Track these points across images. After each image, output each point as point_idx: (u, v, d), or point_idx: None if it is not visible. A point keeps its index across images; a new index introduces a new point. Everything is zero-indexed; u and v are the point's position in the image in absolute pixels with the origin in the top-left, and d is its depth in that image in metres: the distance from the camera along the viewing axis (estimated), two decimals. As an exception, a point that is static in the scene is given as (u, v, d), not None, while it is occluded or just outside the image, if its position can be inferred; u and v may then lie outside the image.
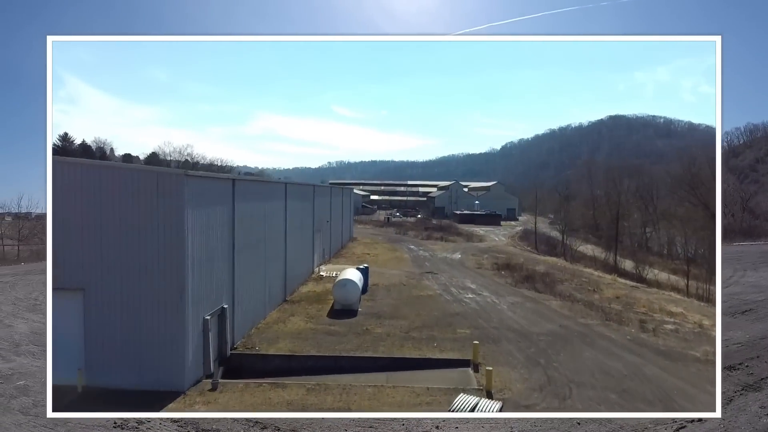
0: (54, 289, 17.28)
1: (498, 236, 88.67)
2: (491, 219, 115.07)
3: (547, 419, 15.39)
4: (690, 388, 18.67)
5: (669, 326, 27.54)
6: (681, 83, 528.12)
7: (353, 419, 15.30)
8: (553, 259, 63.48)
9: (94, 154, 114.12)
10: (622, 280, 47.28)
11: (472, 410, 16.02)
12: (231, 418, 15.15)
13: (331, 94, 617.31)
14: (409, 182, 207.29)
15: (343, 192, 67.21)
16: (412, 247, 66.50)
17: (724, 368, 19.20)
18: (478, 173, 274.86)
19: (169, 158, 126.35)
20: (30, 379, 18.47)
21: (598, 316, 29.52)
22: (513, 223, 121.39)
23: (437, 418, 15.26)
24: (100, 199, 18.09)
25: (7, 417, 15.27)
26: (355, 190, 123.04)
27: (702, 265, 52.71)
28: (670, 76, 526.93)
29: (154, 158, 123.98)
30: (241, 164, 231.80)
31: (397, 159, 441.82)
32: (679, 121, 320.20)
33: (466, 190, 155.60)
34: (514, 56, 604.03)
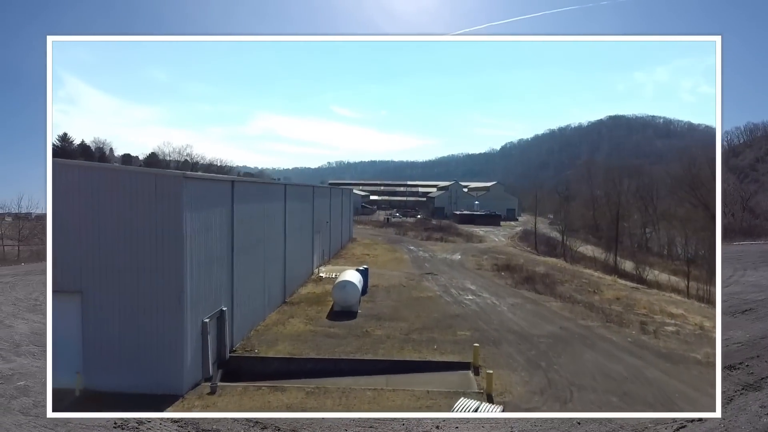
0: (52, 291, 17.17)
1: (498, 237, 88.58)
2: (491, 219, 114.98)
3: (547, 419, 15.40)
4: (692, 392, 18.57)
5: (670, 328, 27.44)
6: (680, 83, 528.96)
7: (353, 419, 15.31)
8: (553, 259, 63.38)
9: (94, 155, 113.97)
10: (623, 281, 47.17)
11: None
12: (231, 419, 15.16)
13: (331, 94, 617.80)
14: (409, 182, 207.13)
15: (342, 192, 67.09)
16: (412, 247, 66.40)
17: (724, 368, 19.20)
18: (478, 173, 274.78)
19: (168, 158, 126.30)
20: (30, 380, 18.46)
21: (598, 317, 29.42)
22: (513, 223, 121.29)
23: (437, 418, 15.28)
24: (97, 202, 17.97)
25: (7, 417, 15.26)
26: (355, 191, 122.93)
27: (702, 266, 52.63)
28: (669, 76, 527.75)
29: (153, 158, 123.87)
30: (240, 164, 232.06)
31: (396, 159, 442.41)
32: (678, 121, 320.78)
33: (465, 190, 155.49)
34: (513, 56, 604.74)
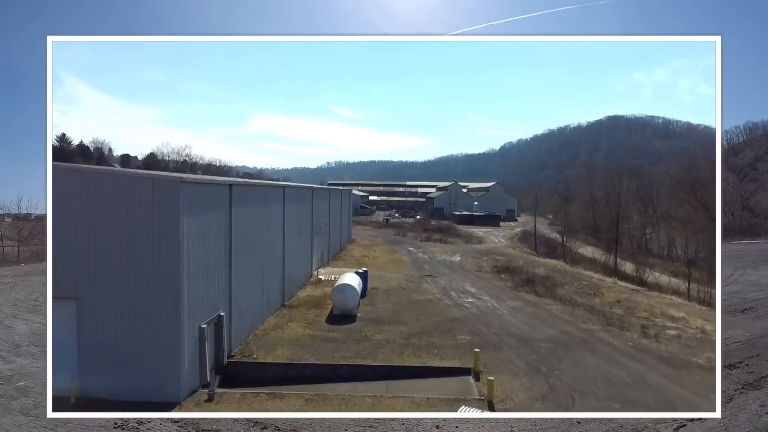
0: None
1: (497, 238, 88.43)
2: (490, 220, 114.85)
3: (547, 419, 15.41)
4: (694, 397, 18.39)
5: (671, 332, 27.27)
6: (679, 84, 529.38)
7: (353, 419, 15.31)
8: (553, 261, 63.24)
9: (92, 155, 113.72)
10: (623, 283, 47.04)
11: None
12: (231, 419, 15.15)
13: (330, 95, 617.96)
14: (408, 183, 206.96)
15: (341, 193, 66.88)
16: (411, 249, 66.20)
17: (724, 367, 19.14)
18: (477, 173, 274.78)
19: (167, 159, 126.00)
20: (30, 380, 18.40)
21: (599, 321, 29.24)
22: (512, 224, 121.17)
23: (437, 418, 15.29)
24: (93, 206, 17.75)
25: (7, 418, 15.20)
26: (354, 191, 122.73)
27: (702, 267, 52.52)
28: (668, 76, 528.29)
29: (152, 159, 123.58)
30: (239, 164, 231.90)
31: (395, 159, 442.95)
32: (677, 121, 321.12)
33: (464, 190, 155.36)
34: (512, 56, 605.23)
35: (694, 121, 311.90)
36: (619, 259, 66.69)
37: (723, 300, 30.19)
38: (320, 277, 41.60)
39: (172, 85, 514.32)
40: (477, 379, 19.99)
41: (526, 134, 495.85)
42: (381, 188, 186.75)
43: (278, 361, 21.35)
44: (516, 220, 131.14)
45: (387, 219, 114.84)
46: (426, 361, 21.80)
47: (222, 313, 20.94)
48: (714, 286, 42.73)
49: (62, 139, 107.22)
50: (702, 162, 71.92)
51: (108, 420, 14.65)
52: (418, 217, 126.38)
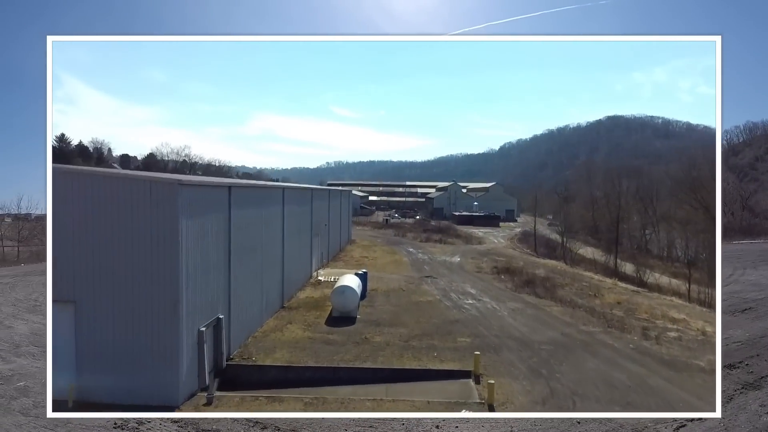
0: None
1: (497, 238, 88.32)
2: (490, 220, 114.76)
3: (546, 419, 15.41)
4: (696, 401, 18.27)
5: (672, 334, 27.16)
6: (678, 84, 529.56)
7: (353, 419, 15.30)
8: (553, 262, 63.13)
9: (92, 155, 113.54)
10: (623, 285, 46.94)
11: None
12: (231, 419, 15.14)
13: (330, 95, 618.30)
14: (408, 183, 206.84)
15: (341, 194, 66.77)
16: (411, 249, 66.08)
17: (724, 367, 19.09)
18: (477, 173, 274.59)
19: (166, 159, 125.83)
20: (30, 380, 18.38)
21: (599, 323, 29.13)
22: (512, 224, 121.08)
23: (437, 418, 15.29)
24: (90, 208, 17.61)
25: (7, 418, 15.19)
26: (354, 191, 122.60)
27: (702, 268, 52.45)
28: (667, 76, 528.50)
29: (151, 159, 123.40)
30: (239, 164, 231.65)
31: (395, 159, 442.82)
32: (677, 121, 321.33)
33: (464, 191, 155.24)
34: (512, 56, 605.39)
35: (694, 121, 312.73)
36: (619, 260, 66.59)
37: (723, 300, 30.16)
38: (320, 278, 41.48)
39: (171, 85, 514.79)
40: (477, 382, 19.89)
41: (526, 134, 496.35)
42: (380, 188, 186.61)
43: (277, 364, 21.24)
44: (516, 221, 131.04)
45: (386, 219, 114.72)
46: (426, 363, 21.69)
47: (221, 316, 20.81)
48: (714, 286, 42.66)
49: (61, 139, 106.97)
50: (702, 162, 71.88)
51: (108, 420, 14.65)
52: (417, 217, 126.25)
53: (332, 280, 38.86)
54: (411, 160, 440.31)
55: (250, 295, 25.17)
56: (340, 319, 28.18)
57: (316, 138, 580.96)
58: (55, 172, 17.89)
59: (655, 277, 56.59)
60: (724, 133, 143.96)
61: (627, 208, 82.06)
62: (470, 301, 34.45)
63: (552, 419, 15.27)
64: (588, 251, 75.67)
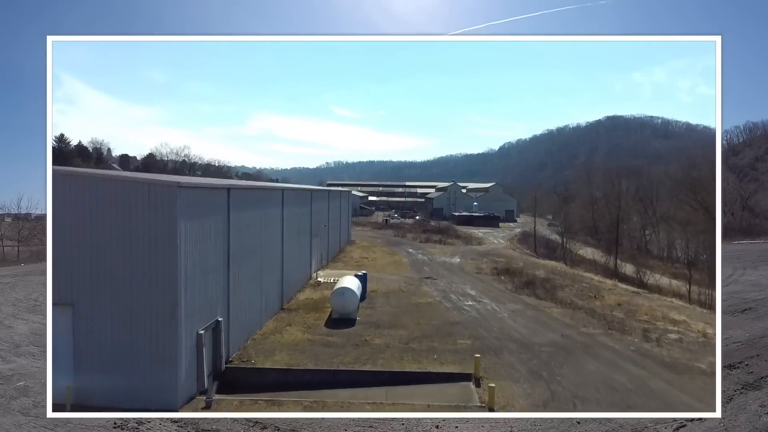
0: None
1: (497, 239, 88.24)
2: (490, 221, 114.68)
3: (546, 419, 15.38)
4: (697, 404, 18.18)
5: (672, 335, 27.08)
6: (678, 84, 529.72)
7: (353, 419, 15.25)
8: (553, 263, 63.05)
9: (91, 155, 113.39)
10: (623, 286, 46.88)
11: None
12: (231, 419, 15.11)
13: (330, 95, 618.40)
14: (407, 183, 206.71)
15: (341, 195, 66.68)
16: (411, 250, 65.99)
17: (724, 367, 19.05)
18: (476, 173, 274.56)
19: (166, 159, 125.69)
20: (30, 380, 18.36)
21: (600, 324, 29.04)
22: (511, 224, 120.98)
23: (437, 418, 15.25)
24: (89, 211, 17.52)
25: (7, 418, 15.16)
26: (353, 192, 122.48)
27: (703, 268, 52.38)
28: (667, 76, 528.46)
29: (151, 159, 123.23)
30: (238, 164, 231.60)
31: (395, 159, 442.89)
32: (676, 121, 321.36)
33: (464, 191, 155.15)
34: (512, 56, 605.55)
35: (694, 121, 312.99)
36: (619, 261, 66.52)
37: (723, 300, 30.11)
38: (319, 279, 41.38)
39: (171, 85, 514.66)
40: (478, 384, 19.79)
41: (526, 134, 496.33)
42: (380, 189, 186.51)
43: (277, 367, 21.14)
44: (515, 221, 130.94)
45: (386, 220, 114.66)
46: (426, 366, 21.59)
47: (220, 318, 20.72)
48: (714, 287, 42.61)
49: (61, 139, 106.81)
50: (702, 162, 71.83)
51: (108, 420, 14.63)
52: (417, 217, 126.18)
53: (332, 281, 38.78)
54: (410, 160, 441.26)
55: (249, 297, 25.07)
56: (340, 320, 28.08)
57: (315, 138, 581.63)
58: (55, 174, 17.79)
59: (655, 278, 56.51)
60: (724, 133, 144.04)
61: (627, 208, 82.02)
62: (470, 303, 34.36)
63: (552, 419, 15.24)
64: (588, 252, 75.58)
